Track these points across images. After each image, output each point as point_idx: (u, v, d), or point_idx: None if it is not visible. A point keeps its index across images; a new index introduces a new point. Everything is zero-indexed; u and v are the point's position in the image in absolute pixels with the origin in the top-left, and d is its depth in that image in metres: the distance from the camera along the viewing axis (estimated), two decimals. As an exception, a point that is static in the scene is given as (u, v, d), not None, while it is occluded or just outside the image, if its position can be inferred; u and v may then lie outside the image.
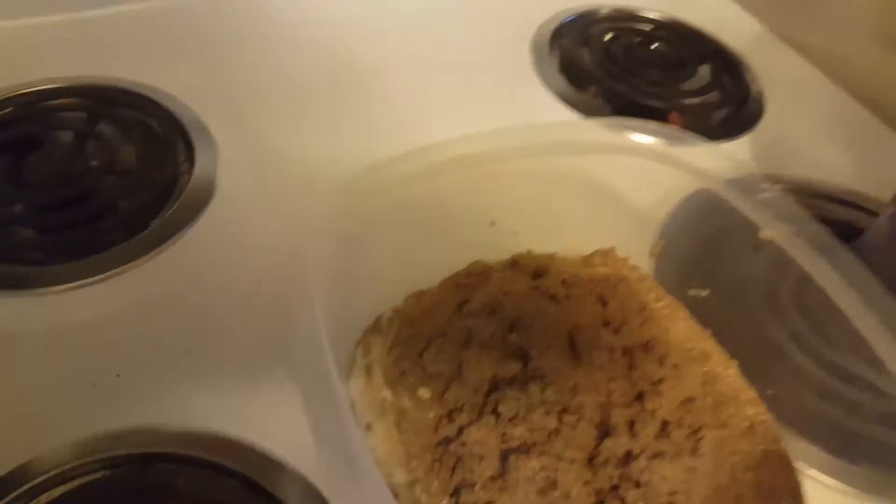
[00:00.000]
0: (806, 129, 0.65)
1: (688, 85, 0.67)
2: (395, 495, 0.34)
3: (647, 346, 0.37)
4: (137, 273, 0.45)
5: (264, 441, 0.38)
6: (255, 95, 0.60)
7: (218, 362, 0.42)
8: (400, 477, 0.34)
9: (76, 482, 0.35)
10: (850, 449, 0.37)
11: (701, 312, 0.44)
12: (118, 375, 0.41)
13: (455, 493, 0.34)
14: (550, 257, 0.44)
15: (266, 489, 0.36)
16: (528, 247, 0.45)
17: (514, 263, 0.44)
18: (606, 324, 0.38)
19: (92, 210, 0.48)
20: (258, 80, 0.61)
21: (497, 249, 0.45)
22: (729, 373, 0.40)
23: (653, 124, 0.45)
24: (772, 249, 0.41)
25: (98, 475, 0.35)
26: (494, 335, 0.38)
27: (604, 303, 0.40)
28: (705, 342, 0.41)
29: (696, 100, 0.66)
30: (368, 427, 0.36)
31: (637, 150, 0.45)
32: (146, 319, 0.43)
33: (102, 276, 0.45)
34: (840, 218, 0.55)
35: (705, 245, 0.49)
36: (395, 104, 0.60)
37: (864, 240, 0.47)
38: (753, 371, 0.40)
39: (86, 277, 0.44)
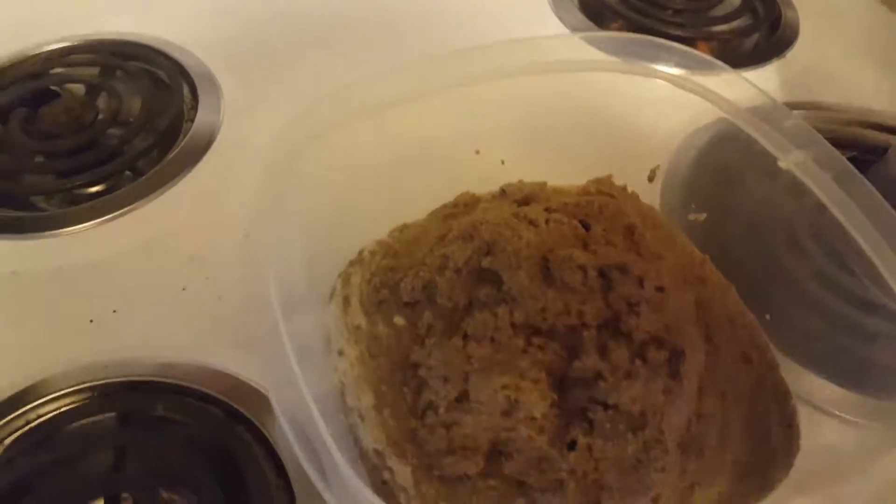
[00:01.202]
0: (843, 53, 0.60)
1: (716, 12, 0.63)
2: (362, 418, 0.34)
3: (623, 268, 0.34)
4: (137, 215, 0.46)
5: (249, 373, 0.38)
6: (264, 47, 0.60)
7: (210, 299, 0.42)
8: (368, 400, 0.34)
9: (65, 405, 0.37)
10: (857, 377, 0.34)
11: (704, 238, 0.42)
12: (115, 311, 0.42)
13: (422, 415, 0.33)
14: (541, 186, 0.42)
15: (245, 416, 0.36)
16: (519, 177, 0.43)
17: (503, 193, 0.42)
18: (585, 246, 0.36)
19: (99, 156, 0.49)
20: (267, 32, 0.61)
21: (486, 180, 0.43)
22: (726, 299, 0.38)
23: (668, 46, 0.42)
24: (787, 177, 0.38)
25: (85, 398, 0.37)
26: (469, 260, 0.36)
27: (586, 227, 0.38)
28: (701, 267, 0.39)
29: (724, 27, 0.62)
30: (340, 352, 0.36)
31: (646, 72, 0.43)
32: (144, 259, 0.45)
33: (104, 218, 0.46)
34: (877, 144, 0.50)
35: (716, 173, 0.46)
36: (407, 51, 0.59)
37: (883, 161, 0.43)
38: (754, 297, 0.38)
39: (89, 220, 0.46)
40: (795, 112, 0.51)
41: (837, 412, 0.34)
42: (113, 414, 0.36)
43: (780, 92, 0.57)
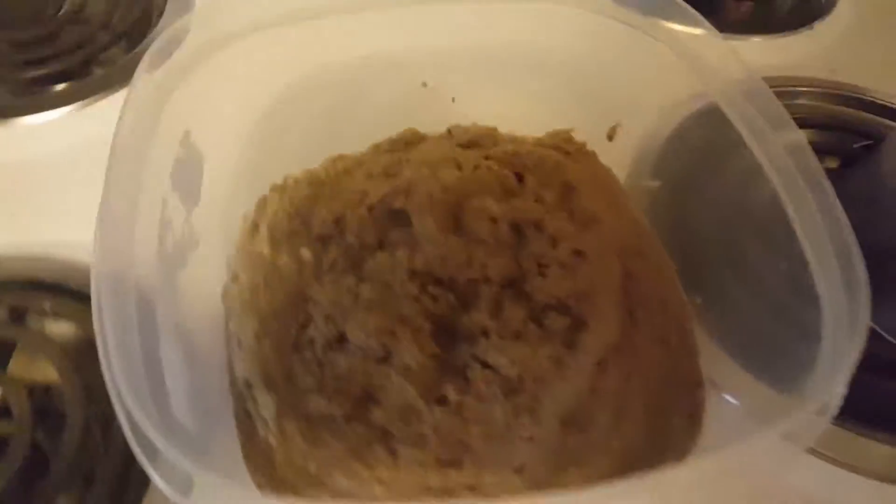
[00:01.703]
0: (881, 31, 0.54)
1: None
2: (240, 345, 0.32)
3: (539, 225, 0.31)
4: (83, 113, 0.45)
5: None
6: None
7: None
8: (250, 328, 0.32)
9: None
10: (776, 373, 0.30)
11: (660, 210, 0.38)
12: (35, 208, 0.41)
13: (301, 350, 0.31)
14: (490, 131, 0.39)
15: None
16: (472, 119, 0.40)
17: (449, 134, 0.39)
18: (508, 198, 0.33)
19: (58, 50, 0.48)
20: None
21: (435, 118, 0.40)
22: (661, 277, 0.34)
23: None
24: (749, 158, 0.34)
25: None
26: (385, 198, 0.34)
27: (520, 178, 0.34)
28: (644, 240, 0.35)
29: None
30: (235, 278, 0.34)
31: (633, 21, 0.38)
32: (78, 157, 0.43)
33: (52, 113, 0.45)
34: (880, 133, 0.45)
35: (693, 148, 0.41)
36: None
37: (882, 148, 0.38)
38: (694, 278, 0.34)
39: (30, 113, 0.44)
40: (806, 89, 0.47)
41: (755, 408, 0.30)
42: (4, 309, 0.36)
43: (801, 66, 0.51)
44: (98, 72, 0.47)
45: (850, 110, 0.47)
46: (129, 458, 0.29)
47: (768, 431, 0.24)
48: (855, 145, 0.45)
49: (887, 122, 0.47)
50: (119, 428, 0.29)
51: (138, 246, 0.27)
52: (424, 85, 0.39)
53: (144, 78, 0.29)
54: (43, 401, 0.33)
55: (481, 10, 0.38)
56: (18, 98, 0.46)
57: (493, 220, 0.31)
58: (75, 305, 0.36)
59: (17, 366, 0.34)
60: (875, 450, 0.32)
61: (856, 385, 0.33)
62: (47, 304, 0.35)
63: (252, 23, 0.34)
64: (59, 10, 0.50)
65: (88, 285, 0.35)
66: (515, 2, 0.39)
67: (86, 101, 0.45)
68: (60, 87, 0.46)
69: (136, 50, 0.48)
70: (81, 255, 0.38)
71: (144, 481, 0.31)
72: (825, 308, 0.26)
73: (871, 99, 0.48)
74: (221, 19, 0.33)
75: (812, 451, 0.32)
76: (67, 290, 0.36)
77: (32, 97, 0.46)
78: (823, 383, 0.25)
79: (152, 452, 0.21)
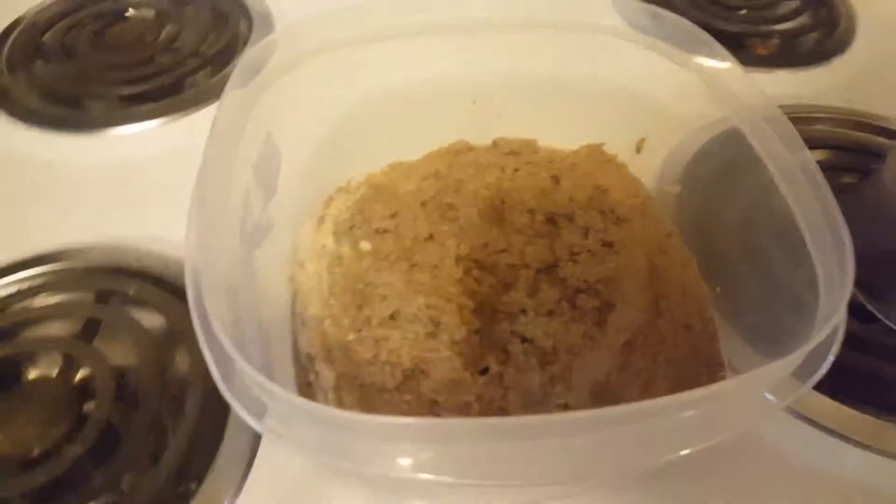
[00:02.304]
0: (891, 63, 0.57)
1: (776, 11, 0.62)
2: (303, 324, 0.36)
3: (571, 217, 0.35)
4: (177, 125, 0.51)
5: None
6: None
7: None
8: (314, 310, 0.36)
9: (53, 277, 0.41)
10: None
11: (683, 215, 0.41)
12: (130, 206, 0.46)
13: (359, 329, 0.35)
14: (530, 143, 0.43)
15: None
16: (515, 133, 0.44)
17: (494, 145, 0.43)
18: (545, 195, 0.37)
19: (152, 71, 0.54)
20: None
21: (482, 132, 0.44)
22: (685, 270, 0.38)
23: (698, 34, 0.40)
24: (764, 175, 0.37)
25: (71, 273, 0.41)
26: (437, 195, 0.38)
27: (556, 181, 0.38)
28: (666, 239, 0.39)
29: (781, 26, 0.60)
30: (301, 265, 0.39)
31: (664, 51, 0.43)
32: (169, 164, 0.49)
33: (146, 123, 0.51)
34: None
35: (717, 163, 0.45)
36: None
37: (881, 163, 0.41)
38: (713, 273, 0.37)
39: (132, 122, 0.51)
40: (824, 115, 0.50)
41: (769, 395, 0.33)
42: (91, 293, 0.40)
43: (820, 96, 0.55)
44: (187, 92, 0.53)
45: (866, 134, 0.50)
46: (193, 442, 0.33)
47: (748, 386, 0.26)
48: (872, 165, 0.48)
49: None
50: (188, 413, 0.33)
51: (225, 223, 0.31)
52: (474, 102, 0.44)
53: (235, 85, 0.34)
54: (120, 380, 0.36)
55: (526, 38, 0.43)
56: (114, 111, 0.52)
57: (531, 212, 0.35)
58: (156, 291, 0.40)
59: (102, 344, 0.38)
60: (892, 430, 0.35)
61: (876, 374, 0.37)
62: (132, 289, 0.39)
63: (326, 44, 0.39)
64: (157, 38, 0.57)
65: (170, 274, 0.41)
66: (556, 30, 0.43)
67: (173, 115, 0.51)
68: (152, 104, 0.52)
69: (222, 73, 0.54)
70: (164, 247, 0.43)
71: (206, 463, 0.33)
72: (821, 297, 0.29)
73: (885, 125, 0.51)
74: (301, 41, 0.38)
75: (838, 435, 0.35)
76: (150, 278, 0.40)
77: (127, 111, 0.52)
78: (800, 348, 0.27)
79: (229, 373, 0.25)
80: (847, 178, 0.46)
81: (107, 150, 0.50)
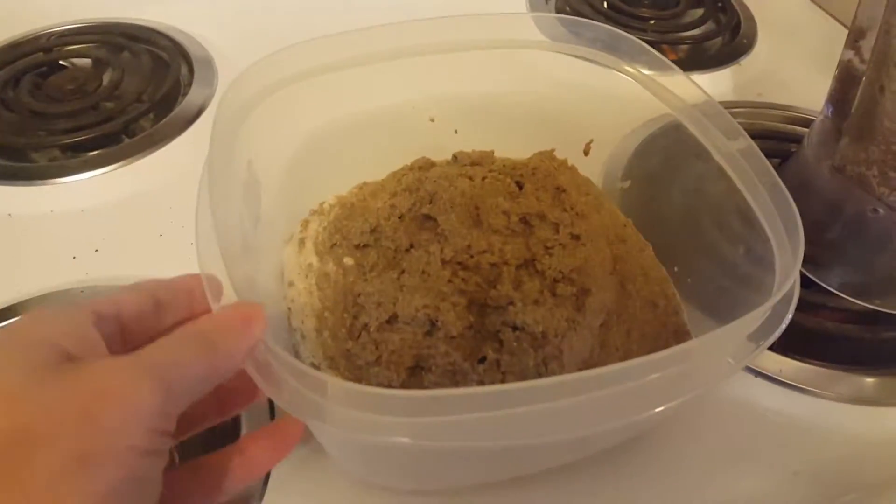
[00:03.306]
0: (794, 61, 0.64)
1: (682, 20, 0.68)
2: (303, 337, 0.38)
3: (542, 216, 0.38)
4: (125, 171, 0.52)
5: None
6: (266, 38, 0.64)
7: (184, 244, 0.46)
8: (310, 323, 0.38)
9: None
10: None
11: (631, 206, 0.45)
12: (97, 250, 0.46)
13: (358, 336, 0.37)
14: (488, 154, 0.46)
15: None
16: (471, 146, 0.47)
17: (455, 159, 0.46)
18: (514, 199, 0.40)
19: (96, 119, 0.54)
20: (271, 24, 0.67)
21: (440, 148, 0.47)
22: (643, 254, 0.41)
23: (629, 40, 0.45)
24: (712, 163, 0.42)
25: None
26: (412, 208, 0.40)
27: (520, 186, 0.42)
28: (623, 228, 0.42)
29: (689, 33, 0.67)
30: (291, 284, 0.40)
31: (601, 59, 0.47)
32: (128, 208, 0.50)
33: (95, 172, 0.51)
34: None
35: (656, 157, 0.49)
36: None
37: (803, 141, 0.47)
38: (667, 255, 0.42)
39: (81, 172, 0.51)
40: (742, 110, 0.56)
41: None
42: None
43: (732, 93, 0.61)
44: (133, 138, 0.53)
45: (780, 123, 0.56)
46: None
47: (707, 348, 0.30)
48: (792, 148, 0.53)
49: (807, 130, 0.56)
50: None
51: (229, 249, 0.33)
52: (432, 120, 0.47)
53: (222, 119, 0.36)
54: None
55: (475, 57, 0.46)
56: (61, 161, 0.52)
57: (506, 213, 0.38)
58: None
59: None
60: (839, 378, 0.40)
61: (817, 331, 0.41)
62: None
63: (293, 75, 0.41)
64: (99, 86, 0.57)
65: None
66: (504, 49, 0.47)
67: (121, 162, 0.52)
68: (99, 151, 0.53)
69: (167, 118, 0.55)
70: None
71: None
72: (777, 267, 0.33)
73: (795, 114, 0.57)
74: (269, 73, 0.40)
75: (791, 386, 0.40)
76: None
77: (74, 160, 0.52)
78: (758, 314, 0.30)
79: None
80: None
81: (56, 200, 0.50)
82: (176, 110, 0.56)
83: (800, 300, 0.30)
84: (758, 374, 0.40)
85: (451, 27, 0.44)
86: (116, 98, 0.57)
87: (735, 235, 0.42)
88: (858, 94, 0.39)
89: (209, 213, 0.31)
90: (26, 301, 0.43)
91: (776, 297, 0.29)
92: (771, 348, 0.33)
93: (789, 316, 0.29)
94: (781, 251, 0.33)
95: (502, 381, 0.34)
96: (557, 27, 0.48)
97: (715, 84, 0.62)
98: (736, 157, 0.39)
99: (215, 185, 0.32)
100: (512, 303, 0.35)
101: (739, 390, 0.40)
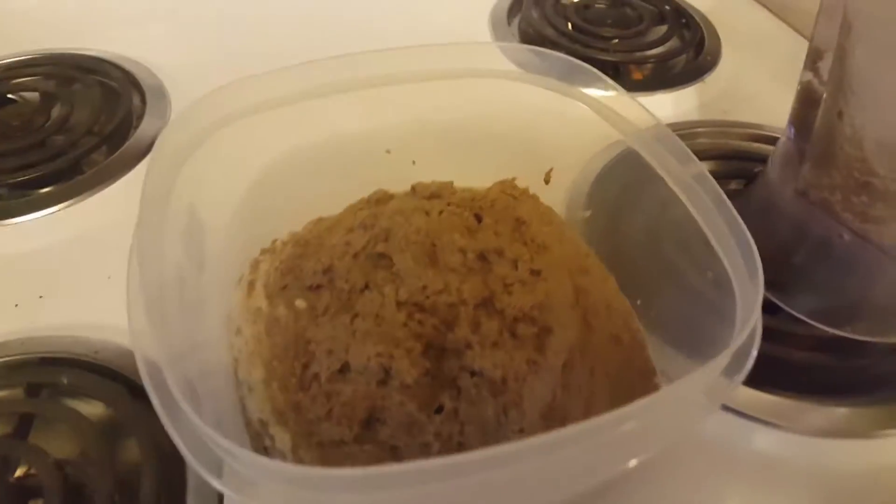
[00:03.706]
0: (759, 77, 0.64)
1: (645, 39, 0.68)
2: (250, 390, 0.36)
3: (500, 251, 0.37)
4: (73, 210, 0.50)
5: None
6: (219, 65, 0.63)
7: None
8: (258, 374, 0.36)
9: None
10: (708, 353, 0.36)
11: (594, 236, 0.44)
12: (41, 296, 0.44)
13: (308, 386, 0.35)
14: (447, 185, 0.45)
15: (146, 393, 0.38)
16: (430, 177, 0.46)
17: (413, 191, 0.45)
18: (472, 234, 0.39)
19: (44, 155, 0.52)
20: (223, 51, 0.65)
21: (398, 180, 0.46)
22: (605, 286, 0.40)
23: (581, 67, 0.44)
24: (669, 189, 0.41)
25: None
26: (367, 246, 0.39)
27: (479, 219, 0.40)
28: (585, 259, 0.41)
29: (653, 51, 0.66)
30: (238, 331, 0.38)
31: (556, 87, 0.46)
32: (75, 249, 0.47)
33: (42, 212, 0.49)
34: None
35: (616, 184, 0.48)
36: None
37: (767, 164, 0.46)
38: (630, 286, 0.40)
39: (27, 213, 0.49)
40: (706, 129, 0.55)
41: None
42: (20, 388, 0.38)
43: (698, 111, 0.60)
44: (85, 174, 0.51)
45: (745, 142, 0.56)
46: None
47: (680, 391, 0.29)
48: (755, 170, 0.53)
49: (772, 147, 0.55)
50: (143, 499, 0.32)
51: (166, 303, 0.31)
52: (388, 152, 0.45)
53: (158, 160, 0.34)
54: (65, 474, 0.35)
55: (432, 87, 0.45)
56: (10, 201, 0.50)
57: (462, 251, 0.37)
58: (90, 378, 0.38)
59: (39, 439, 0.36)
60: (809, 410, 0.39)
61: (787, 360, 0.40)
62: (63, 378, 0.38)
63: (239, 110, 0.39)
64: (47, 121, 0.55)
65: (98, 358, 0.40)
66: (457, 79, 0.45)
67: (73, 199, 0.50)
68: (50, 189, 0.51)
69: (119, 151, 0.53)
70: (88, 333, 0.42)
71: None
72: (737, 295, 0.32)
73: (760, 132, 0.57)
74: (210, 112, 0.38)
75: (761, 421, 0.39)
76: (81, 365, 0.39)
77: (24, 199, 0.50)
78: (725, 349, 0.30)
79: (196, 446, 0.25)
80: (734, 185, 0.51)
81: (6, 241, 0.48)
82: (128, 143, 0.54)
83: (766, 328, 0.29)
84: (725, 408, 0.39)
85: (406, 57, 0.43)
86: (66, 131, 0.55)
87: (695, 264, 0.41)
88: (818, 118, 0.38)
89: (137, 272, 0.30)
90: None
91: (740, 336, 0.28)
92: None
93: (754, 353, 0.28)
94: (740, 281, 0.32)
95: (461, 432, 0.33)
96: (517, 56, 0.47)
97: (680, 102, 0.61)
98: (690, 182, 0.38)
99: (144, 241, 0.31)
100: (470, 346, 0.34)
101: (707, 426, 0.39)
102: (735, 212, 0.33)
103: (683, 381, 0.27)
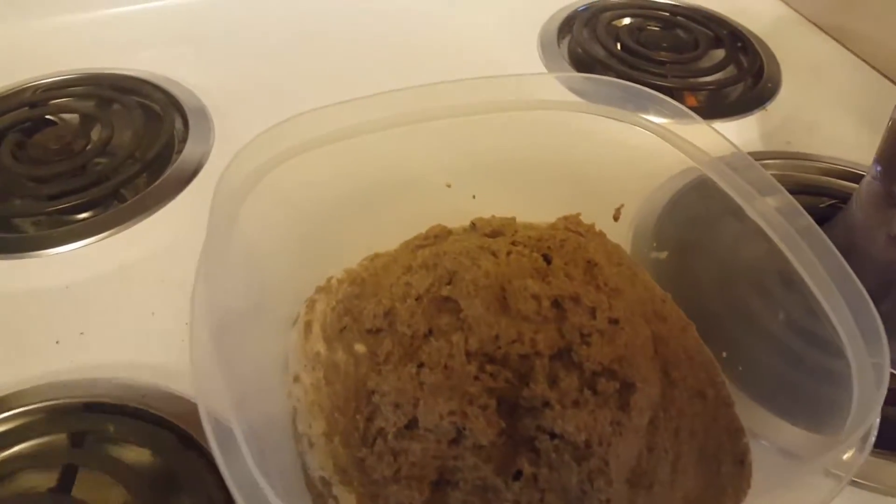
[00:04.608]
0: (822, 106, 0.61)
1: (702, 64, 0.65)
2: (311, 445, 0.34)
3: (576, 298, 0.35)
4: (116, 240, 0.48)
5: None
6: (261, 86, 0.61)
7: (178, 325, 0.42)
8: (318, 427, 0.34)
9: (17, 423, 0.37)
10: (812, 417, 0.33)
11: (670, 277, 0.42)
12: (82, 333, 0.42)
13: (372, 442, 0.33)
14: (509, 221, 0.42)
15: (198, 442, 0.36)
16: (490, 212, 0.44)
17: (473, 227, 0.43)
18: (543, 278, 0.36)
19: (85, 182, 0.50)
20: (265, 74, 0.63)
21: (457, 214, 0.44)
22: (685, 335, 0.38)
23: (647, 93, 0.42)
24: (755, 224, 0.38)
25: (39, 417, 0.37)
26: (431, 288, 0.37)
27: (548, 260, 0.38)
28: (662, 304, 0.39)
29: (709, 78, 0.63)
30: (296, 378, 0.36)
31: (621, 117, 0.44)
32: (117, 282, 0.45)
33: (84, 242, 0.47)
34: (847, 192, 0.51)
35: (686, 217, 0.46)
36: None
37: (850, 202, 0.43)
38: (714, 335, 0.38)
39: (68, 243, 0.47)
40: (771, 161, 0.53)
41: (791, 450, 0.33)
42: (64, 435, 0.36)
43: (759, 142, 0.58)
44: (127, 201, 0.49)
45: (812, 175, 0.53)
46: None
47: (813, 469, 0.27)
48: (821, 205, 0.50)
49: (843, 182, 0.53)
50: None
51: (228, 353, 0.29)
52: (448, 185, 0.43)
53: (221, 201, 0.32)
54: None
55: (489, 119, 0.43)
56: (48, 230, 0.48)
57: (536, 297, 0.34)
58: (138, 425, 0.36)
59: (83, 492, 0.34)
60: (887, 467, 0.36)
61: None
62: (110, 426, 0.36)
63: (294, 147, 0.37)
64: (87, 144, 0.53)
65: (145, 404, 0.38)
66: (516, 112, 0.43)
67: (115, 228, 0.48)
68: (87, 215, 0.49)
69: (162, 177, 0.51)
70: (137, 375, 0.39)
71: None
72: (848, 351, 0.30)
73: (827, 164, 0.54)
74: (264, 150, 0.37)
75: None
76: (128, 411, 0.37)
77: (60, 228, 0.48)
78: (857, 420, 0.27)
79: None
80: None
81: (46, 272, 0.46)
82: (171, 169, 0.52)
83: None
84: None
85: (465, 90, 0.41)
86: (107, 155, 0.53)
87: (781, 306, 0.38)
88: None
89: (201, 315, 0.28)
90: (25, 390, 0.38)
91: (869, 410, 0.25)
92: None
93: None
94: (853, 342, 0.30)
95: (541, 500, 0.30)
96: (572, 85, 0.45)
97: (739, 133, 0.58)
98: (775, 216, 0.36)
99: (209, 283, 0.29)
100: (548, 403, 0.32)
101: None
102: (844, 262, 0.31)
103: (814, 460, 0.24)
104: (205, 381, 0.27)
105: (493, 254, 0.38)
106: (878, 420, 0.27)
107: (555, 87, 0.44)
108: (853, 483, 0.36)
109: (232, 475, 0.23)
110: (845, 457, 0.26)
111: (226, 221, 0.32)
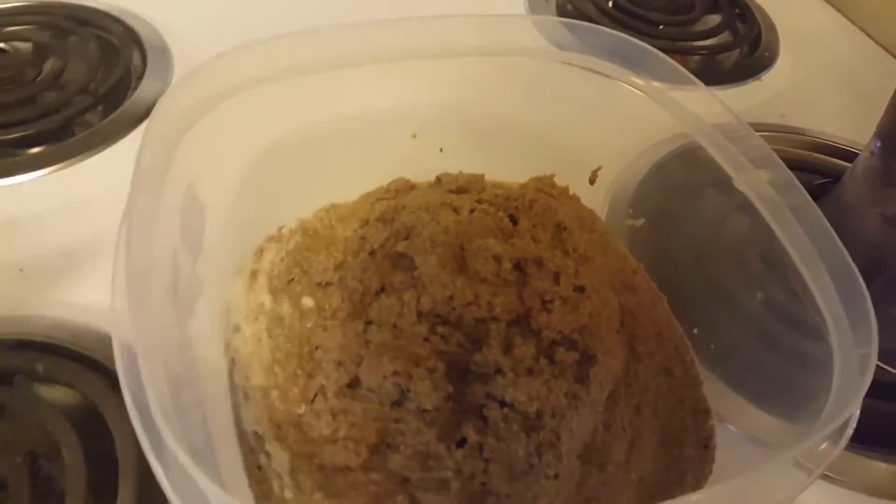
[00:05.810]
0: (820, 79, 0.58)
1: (697, 27, 0.62)
2: (246, 398, 0.31)
3: (540, 262, 0.32)
4: (64, 174, 0.44)
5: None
6: (230, 26, 0.58)
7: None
8: (256, 380, 0.32)
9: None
10: (784, 403, 0.31)
11: (645, 247, 0.39)
12: (21, 270, 0.40)
13: (312, 400, 0.31)
14: (478, 178, 0.40)
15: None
16: (458, 167, 0.41)
17: (438, 182, 0.40)
18: (507, 239, 0.34)
19: (33, 113, 0.47)
20: (234, 11, 0.60)
21: (423, 168, 0.41)
22: (656, 309, 0.35)
23: (644, 49, 0.39)
24: (741, 197, 0.36)
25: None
26: (386, 243, 0.34)
27: (514, 221, 0.35)
28: (633, 275, 0.36)
29: (704, 42, 0.60)
30: (236, 329, 0.34)
31: (606, 70, 0.41)
32: (60, 220, 0.42)
33: (30, 175, 0.44)
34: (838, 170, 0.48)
35: (668, 186, 0.43)
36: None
37: (844, 179, 0.41)
38: (686, 310, 0.35)
39: (13, 175, 0.44)
40: (763, 134, 0.50)
41: (761, 437, 0.31)
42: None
43: (752, 113, 0.55)
44: (77, 135, 0.46)
45: (805, 151, 0.50)
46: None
47: (782, 458, 0.24)
48: (814, 183, 0.48)
49: (837, 160, 0.50)
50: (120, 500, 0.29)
51: (155, 291, 0.27)
52: (414, 136, 0.40)
53: (155, 131, 0.29)
54: (35, 468, 0.31)
55: (463, 65, 0.40)
56: (-8, 160, 0.45)
57: (497, 258, 0.32)
58: (68, 365, 0.34)
59: (7, 429, 0.32)
60: (875, 467, 0.34)
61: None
62: (39, 366, 0.34)
63: (245, 81, 0.34)
64: (38, 75, 0.50)
65: (77, 344, 0.35)
66: (495, 57, 0.40)
67: (63, 163, 0.45)
68: (38, 150, 0.46)
69: (115, 113, 0.48)
70: (71, 314, 0.37)
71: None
72: (832, 335, 0.27)
73: (821, 140, 0.51)
74: (217, 79, 0.34)
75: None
76: (58, 351, 0.35)
77: (5, 160, 0.45)
78: (835, 409, 0.25)
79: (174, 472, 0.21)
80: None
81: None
82: (125, 105, 0.49)
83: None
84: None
85: (439, 28, 0.38)
86: (59, 88, 0.50)
87: (762, 286, 0.36)
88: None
89: (125, 250, 0.25)
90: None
91: (849, 400, 0.23)
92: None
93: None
94: (839, 329, 0.28)
95: (485, 471, 0.28)
96: (558, 31, 0.42)
97: (732, 102, 0.54)
98: (767, 189, 0.33)
99: (136, 217, 0.26)
100: (500, 370, 0.29)
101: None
102: (840, 243, 0.28)
103: (785, 449, 0.22)
104: (121, 317, 0.24)
105: (455, 210, 0.35)
106: (857, 411, 0.25)
107: (532, 32, 0.41)
108: (825, 477, 0.34)
109: (136, 409, 0.21)
110: (819, 448, 0.24)
111: (162, 152, 0.29)
